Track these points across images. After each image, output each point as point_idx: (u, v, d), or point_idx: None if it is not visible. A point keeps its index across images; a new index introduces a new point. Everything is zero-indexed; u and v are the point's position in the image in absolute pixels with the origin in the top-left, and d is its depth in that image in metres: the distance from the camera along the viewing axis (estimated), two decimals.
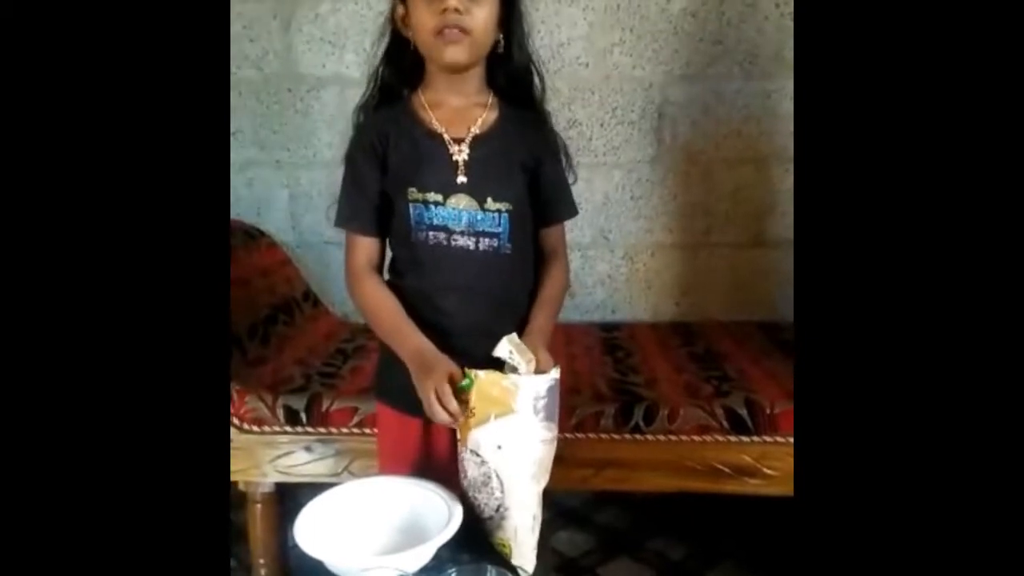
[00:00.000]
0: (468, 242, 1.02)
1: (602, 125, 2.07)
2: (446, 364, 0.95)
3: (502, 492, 0.89)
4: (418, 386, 0.95)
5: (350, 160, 1.07)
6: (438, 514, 0.93)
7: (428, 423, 1.04)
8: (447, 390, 0.91)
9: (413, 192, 1.01)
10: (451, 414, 0.91)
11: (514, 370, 0.90)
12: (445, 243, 1.01)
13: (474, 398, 0.89)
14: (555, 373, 0.92)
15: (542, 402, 0.88)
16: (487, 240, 1.02)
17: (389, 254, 1.12)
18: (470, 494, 0.93)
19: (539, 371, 0.91)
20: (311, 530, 0.91)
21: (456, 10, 0.95)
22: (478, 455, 0.90)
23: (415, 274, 1.05)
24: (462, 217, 1.01)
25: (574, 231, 2.08)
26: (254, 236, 2.00)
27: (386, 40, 1.07)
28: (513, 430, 0.88)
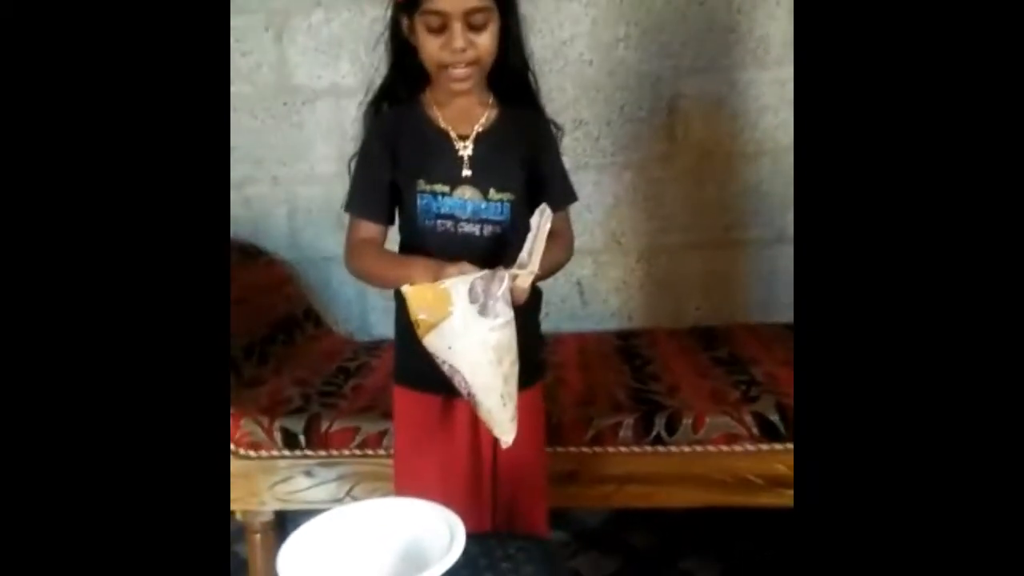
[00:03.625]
0: (473, 228, 1.08)
1: (609, 124, 1.99)
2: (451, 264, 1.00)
3: (467, 382, 0.97)
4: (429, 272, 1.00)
5: (364, 151, 1.13)
6: (439, 538, 0.85)
7: (446, 399, 1.10)
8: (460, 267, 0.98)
9: (422, 184, 1.08)
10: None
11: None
12: (452, 230, 1.08)
13: (413, 311, 0.95)
14: (483, 272, 0.96)
15: (480, 298, 0.94)
16: (490, 227, 1.08)
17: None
18: (450, 379, 0.99)
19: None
20: (299, 560, 0.84)
21: (462, 49, 1.01)
22: (436, 356, 0.96)
23: (422, 255, 1.10)
24: (467, 206, 1.08)
25: (584, 235, 2.00)
26: (251, 254, 1.94)
27: (390, 47, 1.12)
28: (457, 330, 0.94)
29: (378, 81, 1.14)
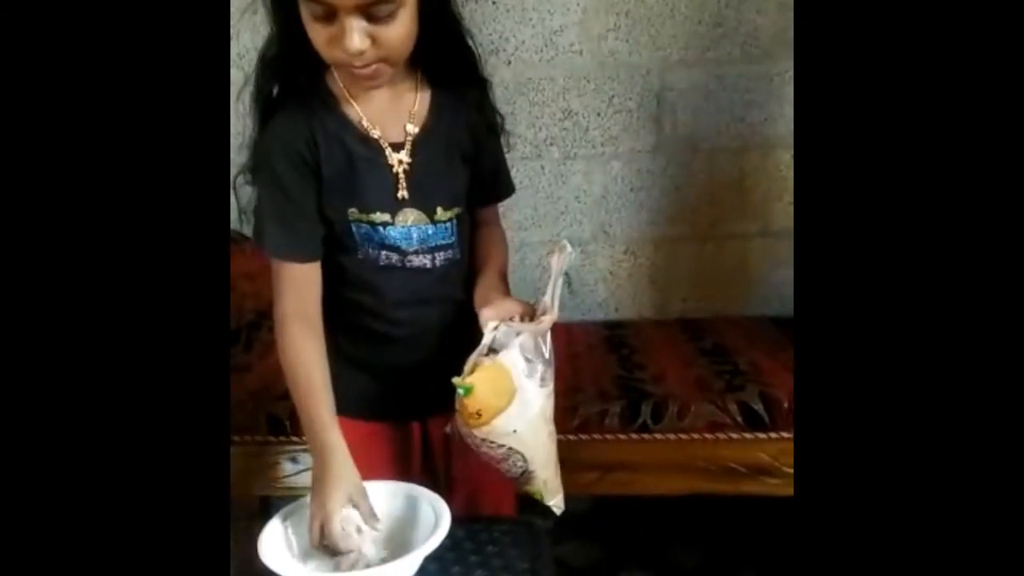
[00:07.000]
0: (424, 260, 0.91)
1: (599, 114, 1.98)
2: (348, 483, 0.83)
3: (525, 461, 0.86)
4: (316, 492, 0.83)
5: (273, 174, 0.87)
6: (424, 521, 0.85)
7: (396, 425, 0.99)
8: (336, 523, 0.80)
9: (355, 213, 0.88)
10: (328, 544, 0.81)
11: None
12: (399, 264, 0.91)
13: (476, 403, 0.81)
14: (524, 335, 0.83)
15: (534, 365, 0.83)
16: (442, 254, 0.92)
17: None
18: (490, 464, 0.88)
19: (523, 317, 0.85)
20: (280, 543, 0.84)
21: (359, 51, 0.77)
22: (493, 442, 0.84)
23: (365, 290, 0.94)
24: (413, 235, 0.90)
25: (573, 225, 2.01)
26: (238, 241, 1.92)
27: (271, 8, 0.85)
28: (522, 409, 0.83)
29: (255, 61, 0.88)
